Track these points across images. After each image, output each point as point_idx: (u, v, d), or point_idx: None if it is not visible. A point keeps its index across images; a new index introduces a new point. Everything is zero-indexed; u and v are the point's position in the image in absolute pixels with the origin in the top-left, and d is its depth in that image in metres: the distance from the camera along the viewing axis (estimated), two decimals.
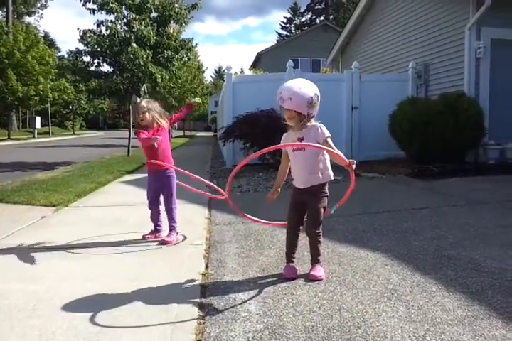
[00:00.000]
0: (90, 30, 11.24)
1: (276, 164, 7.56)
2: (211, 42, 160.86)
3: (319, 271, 2.83)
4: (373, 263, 3.11)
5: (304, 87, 2.75)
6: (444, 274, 2.87)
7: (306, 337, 2.07)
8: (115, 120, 59.30)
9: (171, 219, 3.82)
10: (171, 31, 11.64)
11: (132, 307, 2.39)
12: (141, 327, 2.17)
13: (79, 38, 11.22)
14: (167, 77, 11.97)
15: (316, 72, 23.30)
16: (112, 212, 5.07)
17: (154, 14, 11.73)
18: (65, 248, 3.58)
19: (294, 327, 2.16)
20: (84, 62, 11.70)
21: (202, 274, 2.93)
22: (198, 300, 2.51)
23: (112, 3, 10.80)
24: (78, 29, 11.16)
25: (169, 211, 3.83)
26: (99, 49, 11.28)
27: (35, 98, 26.88)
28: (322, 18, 56.46)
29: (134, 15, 11.00)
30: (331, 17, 56.64)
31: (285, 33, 61.20)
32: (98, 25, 11.27)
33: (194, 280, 2.81)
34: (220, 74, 66.08)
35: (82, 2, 10.95)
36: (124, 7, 11.24)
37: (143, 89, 11.91)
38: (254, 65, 36.97)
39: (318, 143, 2.76)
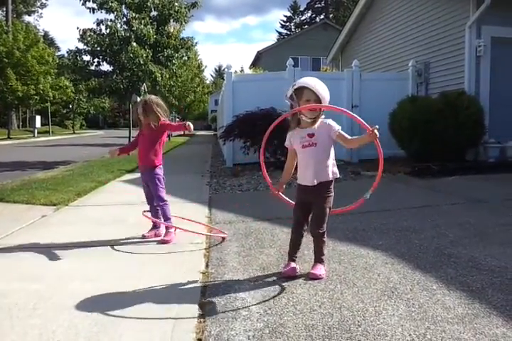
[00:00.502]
0: (90, 30, 11.26)
1: (277, 163, 7.59)
2: (211, 41, 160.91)
3: (320, 270, 2.82)
4: (374, 262, 3.11)
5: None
6: (444, 272, 2.87)
7: (306, 335, 2.07)
8: (115, 119, 59.34)
9: (164, 216, 3.83)
10: (172, 30, 11.64)
11: (132, 306, 2.39)
12: (142, 326, 2.17)
13: (79, 37, 11.24)
14: (167, 76, 11.98)
15: (316, 71, 23.28)
16: (112, 211, 5.07)
17: (154, 13, 11.74)
18: (65, 247, 3.57)
19: (294, 325, 2.16)
20: (84, 61, 11.71)
21: (202, 273, 2.93)
22: (198, 298, 2.51)
23: (111, 2, 10.82)
24: (78, 28, 11.20)
25: (160, 208, 3.84)
26: (99, 48, 11.29)
27: (36, 97, 26.88)
28: (322, 16, 56.42)
29: (133, 14, 10.99)
30: (330, 15, 56.61)
31: (285, 31, 61.24)
32: (98, 24, 11.29)
33: (194, 279, 2.81)
34: (220, 73, 66.10)
35: (82, 1, 10.97)
36: (123, 6, 11.24)
37: (143, 88, 11.91)
38: (254, 64, 36.94)
39: (331, 137, 2.81)
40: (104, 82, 11.61)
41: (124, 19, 11.29)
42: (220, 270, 3.00)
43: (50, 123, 35.97)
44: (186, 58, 12.96)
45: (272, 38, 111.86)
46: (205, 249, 3.51)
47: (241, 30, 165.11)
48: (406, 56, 10.43)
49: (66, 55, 13.02)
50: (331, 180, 2.87)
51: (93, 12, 11.04)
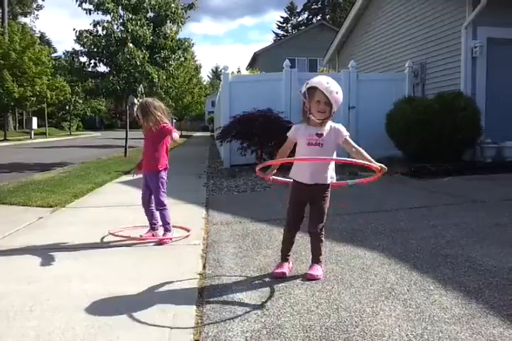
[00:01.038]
0: (86, 31, 11.22)
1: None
2: (208, 42, 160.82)
3: (317, 271, 2.82)
4: (371, 262, 3.11)
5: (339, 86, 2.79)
6: (441, 273, 2.87)
7: (304, 336, 2.07)
8: (112, 120, 59.22)
9: (162, 220, 3.81)
10: (169, 31, 11.62)
11: (130, 308, 2.38)
12: (139, 328, 2.17)
13: (75, 38, 11.19)
14: (164, 77, 11.95)
15: (313, 72, 23.32)
16: (109, 213, 5.06)
17: (151, 14, 11.71)
18: (62, 248, 3.57)
19: (291, 326, 2.16)
20: (81, 62, 11.67)
21: (199, 274, 2.93)
22: (195, 300, 2.51)
23: (108, 3, 10.77)
24: (74, 29, 11.14)
25: (159, 212, 3.82)
26: (95, 49, 11.25)
27: (32, 99, 26.80)
28: (319, 17, 56.47)
29: (130, 16, 10.97)
30: (327, 16, 56.68)
31: (282, 32, 61.24)
32: (94, 26, 11.24)
33: (192, 280, 2.81)
34: (216, 74, 66.08)
35: (78, 2, 10.91)
36: (120, 7, 11.21)
37: (140, 89, 11.89)
38: (251, 65, 36.98)
39: (337, 142, 2.80)
40: (100, 83, 11.57)
41: (121, 20, 11.25)
42: (217, 271, 3.00)
43: (46, 124, 35.84)
44: (183, 59, 12.94)
45: (268, 39, 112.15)
46: (203, 250, 3.51)
47: (238, 31, 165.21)
48: (402, 57, 10.47)
49: (63, 56, 12.96)
50: (328, 184, 2.86)
51: (89, 13, 11.00)
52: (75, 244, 3.68)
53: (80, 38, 11.11)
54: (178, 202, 5.37)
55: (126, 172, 8.85)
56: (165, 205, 3.81)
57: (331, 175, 2.84)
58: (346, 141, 2.80)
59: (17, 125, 41.40)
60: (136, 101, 15.07)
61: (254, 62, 35.97)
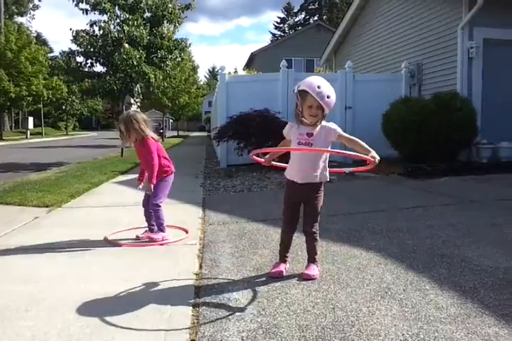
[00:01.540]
0: (83, 31, 11.20)
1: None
2: (204, 42, 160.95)
3: (313, 270, 2.83)
4: (367, 262, 3.12)
5: (331, 87, 2.72)
6: (437, 272, 2.88)
7: (300, 335, 2.07)
8: (109, 120, 59.15)
9: (156, 221, 3.78)
10: (166, 32, 11.62)
11: (126, 308, 2.38)
12: (135, 327, 2.16)
13: (72, 38, 11.17)
14: (161, 77, 11.93)
15: (309, 72, 23.34)
16: (106, 213, 5.05)
17: (147, 14, 11.70)
18: (58, 248, 3.56)
19: (288, 326, 2.16)
20: (78, 62, 11.65)
21: (196, 274, 2.93)
22: (191, 299, 2.51)
23: (104, 3, 10.76)
24: (71, 29, 11.12)
25: (153, 212, 3.79)
26: (92, 49, 11.23)
27: (28, 98, 26.74)
28: (316, 17, 56.57)
29: (127, 16, 10.95)
30: (324, 17, 56.77)
31: (279, 32, 61.32)
32: (91, 26, 11.23)
33: (188, 280, 2.80)
34: (213, 74, 66.11)
35: (75, 2, 10.90)
36: (117, 7, 11.19)
37: (136, 89, 11.87)
38: (248, 65, 36.97)
39: (331, 141, 2.80)
40: (97, 83, 11.55)
41: (118, 20, 11.23)
42: (213, 271, 3.00)
43: (42, 124, 35.78)
44: (180, 59, 12.93)
45: (265, 40, 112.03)
46: (199, 250, 3.51)
47: (234, 32, 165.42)
48: (399, 57, 10.49)
49: (59, 56, 12.93)
50: (320, 183, 2.85)
51: (86, 13, 10.98)
52: (71, 244, 3.67)
53: (76, 37, 11.09)
54: (175, 202, 5.37)
55: (123, 173, 8.85)
56: (159, 207, 3.78)
57: (322, 174, 2.82)
58: (340, 136, 2.79)
59: (13, 125, 41.30)
60: (132, 101, 15.06)
61: (251, 63, 35.97)
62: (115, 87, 11.51)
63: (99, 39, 11.14)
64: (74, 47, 11.38)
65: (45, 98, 28.96)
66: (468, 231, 3.88)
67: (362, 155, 2.65)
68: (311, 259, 2.90)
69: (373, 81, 10.12)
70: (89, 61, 11.58)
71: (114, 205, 5.49)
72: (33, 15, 51.00)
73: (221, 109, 9.56)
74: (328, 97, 2.63)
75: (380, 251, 3.38)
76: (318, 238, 2.91)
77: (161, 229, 3.80)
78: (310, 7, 60.43)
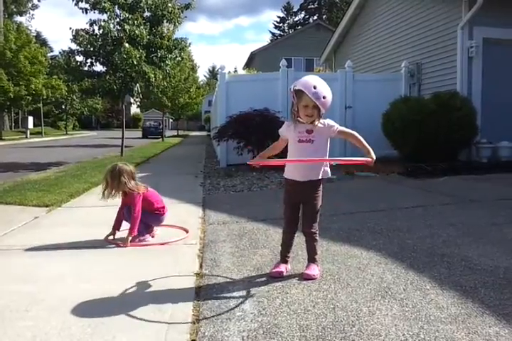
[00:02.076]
0: (83, 30, 11.18)
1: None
2: (204, 41, 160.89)
3: (314, 270, 2.83)
4: (367, 262, 3.12)
5: (328, 86, 2.71)
6: (437, 272, 2.88)
7: (300, 335, 2.07)
8: (108, 120, 59.12)
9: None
10: (166, 31, 11.59)
11: (126, 308, 2.37)
12: (135, 327, 2.16)
13: (71, 37, 11.15)
14: (160, 77, 11.92)
15: (309, 72, 23.33)
16: (105, 212, 5.02)
17: (147, 13, 11.68)
18: (57, 248, 3.55)
19: (288, 326, 2.16)
20: (77, 61, 11.63)
21: (196, 274, 2.92)
22: (192, 299, 2.50)
23: (104, 2, 10.73)
24: (71, 28, 11.09)
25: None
26: (91, 48, 11.21)
27: (28, 98, 26.72)
28: (315, 17, 56.53)
29: (126, 15, 10.93)
30: (324, 16, 56.77)
31: (278, 32, 61.28)
32: (91, 25, 11.20)
33: (188, 280, 2.80)
34: (213, 73, 66.09)
35: (75, 1, 10.87)
36: (116, 6, 11.17)
37: (136, 88, 11.86)
38: (248, 65, 36.98)
39: (330, 137, 2.80)
40: (97, 82, 11.53)
41: (117, 19, 11.21)
42: (213, 271, 2.99)
43: (42, 124, 35.72)
44: (180, 59, 12.91)
45: (265, 39, 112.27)
46: (199, 249, 3.51)
47: (234, 31, 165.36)
48: (399, 57, 10.49)
49: (59, 55, 12.91)
50: (320, 179, 2.84)
51: (86, 12, 10.95)
52: (71, 244, 3.67)
53: (76, 37, 11.07)
54: (175, 202, 5.36)
55: None
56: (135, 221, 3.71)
57: (324, 170, 2.82)
58: (340, 131, 2.79)
59: (13, 124, 41.26)
60: (132, 100, 15.05)
61: (251, 62, 35.97)
62: (115, 87, 11.49)
63: (98, 38, 11.12)
64: (74, 46, 11.36)
65: (45, 97, 28.92)
66: (469, 231, 3.88)
67: (359, 158, 2.70)
68: (311, 259, 2.90)
69: (373, 80, 10.12)
70: (88, 60, 11.55)
71: (114, 205, 5.45)
72: (32, 14, 50.94)
73: (221, 108, 9.56)
74: (324, 97, 2.62)
75: (380, 250, 3.38)
76: (317, 238, 2.91)
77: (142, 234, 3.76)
78: (309, 6, 60.39)
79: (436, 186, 6.36)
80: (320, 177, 2.83)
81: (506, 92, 8.38)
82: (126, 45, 10.62)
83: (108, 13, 10.93)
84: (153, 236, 3.86)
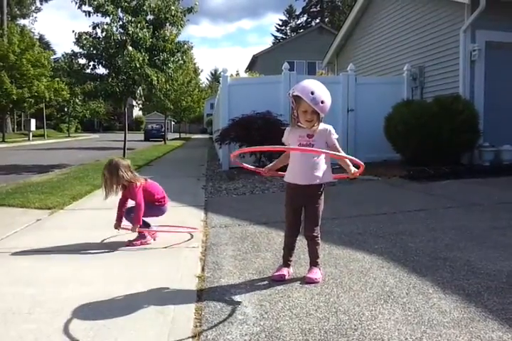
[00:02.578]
0: (86, 33, 11.21)
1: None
2: (206, 44, 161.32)
3: (316, 274, 2.82)
4: (369, 266, 3.11)
5: (326, 90, 2.70)
6: (440, 276, 2.87)
7: (303, 339, 2.06)
8: (110, 122, 59.24)
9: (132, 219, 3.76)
10: (169, 34, 11.62)
11: (128, 311, 2.37)
12: (137, 330, 2.16)
13: (74, 40, 11.18)
14: (163, 80, 11.94)
15: (311, 75, 23.35)
16: (108, 215, 5.02)
17: (150, 17, 11.71)
18: (60, 251, 3.56)
19: (290, 329, 2.16)
20: (80, 64, 11.66)
21: (198, 277, 2.92)
22: (194, 303, 2.50)
23: (107, 5, 10.77)
24: (74, 31, 11.13)
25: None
26: (94, 51, 11.24)
27: (30, 100, 26.81)
28: (318, 20, 56.58)
29: (129, 18, 10.96)
30: (326, 19, 56.78)
31: (281, 35, 61.40)
32: (94, 28, 11.24)
33: (190, 283, 2.80)
34: (215, 76, 66.21)
35: (78, 4, 10.91)
36: (119, 10, 11.21)
37: (139, 91, 11.88)
38: (250, 68, 37.01)
39: (327, 143, 2.78)
40: (99, 85, 11.55)
41: (120, 23, 11.25)
42: (216, 274, 2.99)
43: (45, 126, 35.80)
44: (182, 62, 12.93)
45: (267, 42, 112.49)
46: (201, 252, 3.51)
47: (236, 34, 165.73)
48: (401, 60, 10.49)
49: (62, 58, 12.97)
50: (321, 184, 2.84)
51: (89, 15, 10.99)
52: (73, 246, 3.67)
53: (79, 40, 11.09)
54: (177, 205, 5.37)
55: None
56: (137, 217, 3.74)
57: (324, 175, 2.81)
58: (333, 146, 2.80)
59: (15, 127, 41.37)
60: (134, 103, 15.08)
61: (253, 65, 36.01)
62: (117, 89, 11.51)
63: (101, 41, 11.15)
64: (76, 49, 11.39)
65: (47, 99, 29.01)
66: (471, 235, 3.87)
67: (347, 161, 2.76)
68: (314, 263, 2.90)
69: (375, 84, 10.12)
70: (91, 63, 11.59)
71: (116, 207, 5.47)
72: (35, 17, 51.18)
73: (223, 111, 9.57)
74: (322, 102, 2.61)
75: (382, 254, 3.37)
76: (319, 241, 2.91)
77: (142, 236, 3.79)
78: (312, 10, 60.44)
79: (439, 190, 6.35)
80: (320, 182, 2.82)
81: (509, 96, 8.37)
82: (130, 48, 10.65)
83: (111, 16, 10.97)
84: (154, 239, 3.86)
